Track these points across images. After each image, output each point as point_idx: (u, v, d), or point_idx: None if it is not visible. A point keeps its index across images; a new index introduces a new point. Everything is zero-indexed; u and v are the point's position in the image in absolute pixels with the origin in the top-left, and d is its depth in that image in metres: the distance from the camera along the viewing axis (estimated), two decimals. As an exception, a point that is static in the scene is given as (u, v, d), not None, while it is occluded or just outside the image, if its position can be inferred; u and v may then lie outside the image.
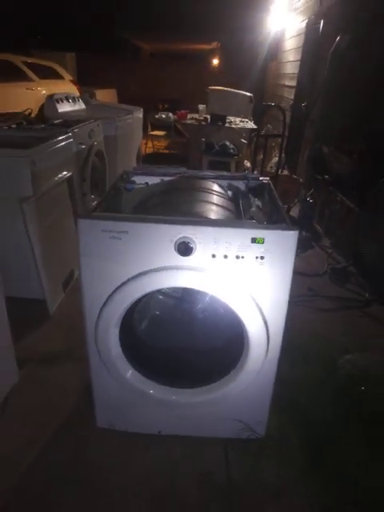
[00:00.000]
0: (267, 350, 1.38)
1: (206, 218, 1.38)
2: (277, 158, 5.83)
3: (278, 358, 1.44)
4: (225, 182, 1.82)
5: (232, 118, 6.03)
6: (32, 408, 1.76)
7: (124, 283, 1.28)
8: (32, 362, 2.00)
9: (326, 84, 4.54)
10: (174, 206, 1.48)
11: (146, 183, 1.79)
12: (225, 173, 1.88)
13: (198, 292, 1.68)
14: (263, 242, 1.22)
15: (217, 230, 1.23)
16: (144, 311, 1.73)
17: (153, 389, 1.48)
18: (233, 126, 5.65)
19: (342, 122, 4.24)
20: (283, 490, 1.47)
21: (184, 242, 1.22)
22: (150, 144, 7.17)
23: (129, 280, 1.28)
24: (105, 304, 1.31)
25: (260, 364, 1.40)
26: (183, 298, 1.84)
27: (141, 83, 10.91)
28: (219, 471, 1.53)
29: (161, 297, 1.87)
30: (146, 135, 6.60)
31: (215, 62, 13.07)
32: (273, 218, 1.43)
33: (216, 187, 1.71)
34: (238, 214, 1.48)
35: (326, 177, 4.25)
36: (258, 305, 1.31)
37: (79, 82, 8.45)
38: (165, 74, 11.01)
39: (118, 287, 1.29)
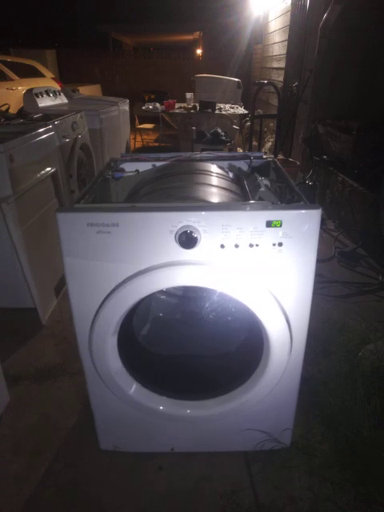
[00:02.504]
0: (290, 349, 1.19)
1: (209, 202, 1.19)
2: (270, 143, 5.63)
3: (303, 357, 1.25)
4: (224, 163, 1.62)
5: (221, 105, 5.83)
6: (26, 432, 1.56)
7: (118, 286, 1.08)
8: (25, 378, 1.80)
9: (317, 61, 4.32)
10: (171, 192, 1.28)
11: (137, 171, 1.59)
12: (224, 153, 1.68)
13: (204, 288, 1.49)
14: (281, 226, 1.03)
15: (224, 214, 1.03)
16: (144, 315, 1.53)
17: (162, 404, 1.28)
18: (223, 112, 5.44)
19: (338, 100, 4.05)
20: (318, 508, 1.28)
21: (186, 231, 1.02)
22: (138, 138, 6.95)
23: (123, 282, 1.08)
24: (98, 312, 1.12)
25: (283, 366, 1.21)
26: (187, 295, 1.65)
27: (126, 78, 10.65)
28: (244, 490, 1.35)
29: (162, 297, 1.68)
30: (133, 129, 6.38)
31: (199, 51, 12.80)
32: (286, 198, 1.23)
33: (216, 169, 1.51)
34: (245, 196, 1.28)
35: (325, 157, 4.06)
36: (277, 300, 1.11)
37: (61, 79, 8.21)
38: (149, 68, 10.76)
39: (112, 291, 1.09)
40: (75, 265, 1.08)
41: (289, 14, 5.54)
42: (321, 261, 2.96)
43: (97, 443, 1.44)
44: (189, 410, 1.29)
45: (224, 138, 4.85)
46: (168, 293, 1.68)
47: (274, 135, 5.25)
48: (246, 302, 1.10)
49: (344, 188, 3.53)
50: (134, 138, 6.70)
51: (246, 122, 5.69)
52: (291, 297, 1.13)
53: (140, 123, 6.69)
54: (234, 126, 5.16)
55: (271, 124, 6.22)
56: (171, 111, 5.66)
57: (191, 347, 1.48)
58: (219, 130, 4.90)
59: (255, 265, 1.07)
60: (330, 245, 3.16)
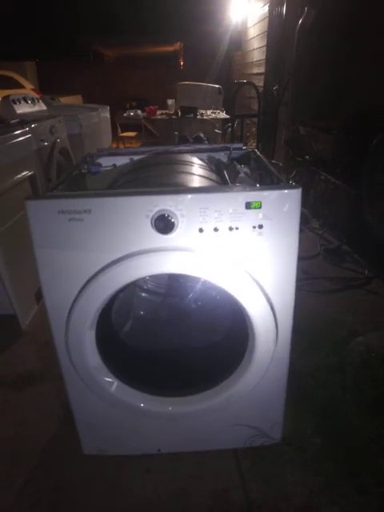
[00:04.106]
0: (276, 337, 1.15)
1: (187, 186, 1.15)
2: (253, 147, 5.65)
3: (290, 346, 1.21)
4: (204, 155, 1.59)
5: (203, 111, 5.84)
6: (3, 440, 1.48)
7: (93, 277, 1.03)
8: (3, 384, 1.72)
9: (296, 64, 4.37)
10: (149, 180, 1.24)
11: (114, 165, 1.55)
12: (203, 145, 1.66)
13: (186, 280, 1.45)
14: (260, 207, 0.99)
15: (202, 196, 0.99)
16: (125, 311, 1.48)
17: (144, 402, 1.23)
18: (205, 117, 5.46)
19: (317, 100, 4.08)
20: (312, 503, 1.24)
21: (163, 215, 0.98)
22: (121, 146, 6.92)
23: (98, 272, 1.03)
24: (73, 305, 1.06)
25: (269, 356, 1.17)
26: (169, 291, 1.60)
27: (107, 89, 10.65)
28: (235, 488, 1.29)
29: (144, 294, 1.63)
30: (116, 138, 6.36)
31: (180, 63, 12.89)
32: (266, 182, 1.20)
33: (195, 159, 1.48)
34: (225, 183, 1.25)
35: (307, 157, 4.08)
36: (260, 285, 1.08)
37: (42, 90, 8.16)
38: (131, 79, 10.81)
39: (87, 282, 1.04)
40: (47, 256, 1.03)
41: (267, 19, 5.61)
42: (306, 258, 2.94)
43: (80, 448, 1.38)
44: (171, 406, 1.24)
45: (206, 142, 4.85)
46: (150, 291, 1.64)
47: (256, 140, 5.27)
48: (227, 288, 1.06)
49: (327, 187, 3.55)
50: (117, 147, 6.68)
51: (229, 127, 5.72)
52: (274, 281, 1.09)
53: (122, 132, 6.67)
54: (217, 130, 5.18)
55: (253, 129, 6.26)
56: (153, 117, 5.65)
57: (175, 341, 1.43)
58: (201, 135, 4.89)
59: (236, 249, 1.04)
60: (315, 242, 3.15)
